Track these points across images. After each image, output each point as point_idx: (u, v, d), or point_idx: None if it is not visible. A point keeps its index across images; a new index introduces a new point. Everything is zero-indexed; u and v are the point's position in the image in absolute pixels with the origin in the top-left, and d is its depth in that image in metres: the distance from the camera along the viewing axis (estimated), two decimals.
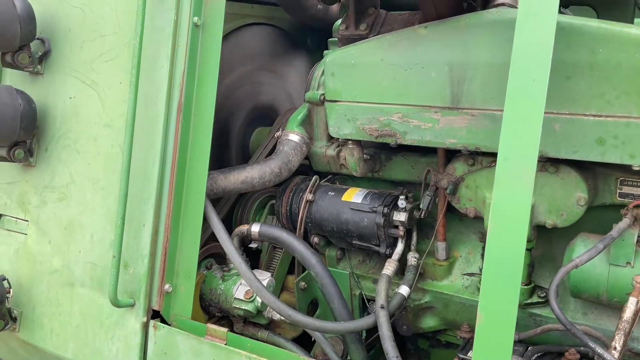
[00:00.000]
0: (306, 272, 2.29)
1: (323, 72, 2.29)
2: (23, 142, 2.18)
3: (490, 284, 1.42)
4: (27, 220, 2.24)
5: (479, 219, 2.11)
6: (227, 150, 2.66)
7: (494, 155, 1.90)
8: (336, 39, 2.43)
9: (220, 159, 2.58)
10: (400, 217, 2.08)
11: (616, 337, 1.46)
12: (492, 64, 1.73)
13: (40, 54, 2.20)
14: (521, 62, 1.42)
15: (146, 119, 1.96)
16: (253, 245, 2.30)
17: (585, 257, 1.57)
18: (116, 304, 1.89)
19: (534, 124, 1.39)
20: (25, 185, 2.26)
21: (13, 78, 2.29)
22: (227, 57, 2.46)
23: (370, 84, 1.97)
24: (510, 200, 1.41)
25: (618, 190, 1.82)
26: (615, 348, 1.44)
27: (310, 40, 3.03)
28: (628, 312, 1.46)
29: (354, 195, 2.18)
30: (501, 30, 1.70)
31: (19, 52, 2.13)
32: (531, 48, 1.42)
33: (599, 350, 1.42)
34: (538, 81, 1.40)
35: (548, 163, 1.80)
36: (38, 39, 2.18)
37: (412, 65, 1.86)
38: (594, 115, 1.62)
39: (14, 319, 2.21)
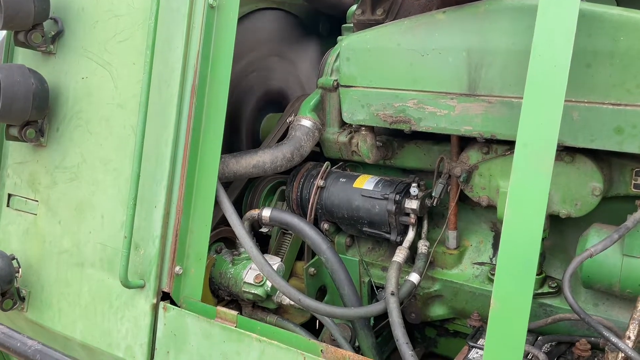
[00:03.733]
0: (316, 258, 2.29)
1: (337, 57, 2.28)
2: (34, 122, 2.17)
3: (506, 272, 1.41)
4: (37, 201, 2.24)
5: (490, 208, 2.10)
6: (237, 136, 2.65)
7: (509, 143, 1.90)
8: (350, 24, 2.41)
9: (231, 145, 2.58)
10: (412, 204, 2.07)
11: (630, 327, 1.45)
12: (511, 50, 1.71)
13: (53, 33, 2.19)
14: (542, 47, 1.41)
15: (159, 100, 1.95)
16: (264, 229, 2.30)
17: (600, 247, 1.56)
18: (126, 284, 1.89)
19: (554, 110, 1.38)
20: (35, 165, 2.25)
21: (26, 58, 2.27)
22: (239, 42, 2.44)
23: (386, 70, 1.95)
24: (528, 188, 1.40)
25: (633, 182, 1.80)
26: (629, 337, 1.43)
27: (322, 26, 3.02)
28: None
29: (366, 182, 2.17)
30: (521, 17, 1.69)
31: (32, 31, 2.12)
32: (553, 33, 1.40)
33: (614, 339, 1.41)
34: (559, 67, 1.39)
35: (564, 152, 1.79)
36: (51, 18, 2.17)
37: (429, 50, 1.85)
38: (613, 104, 1.60)
39: (23, 299, 2.22)
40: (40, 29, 2.13)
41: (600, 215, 1.86)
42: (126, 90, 2.03)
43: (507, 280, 1.41)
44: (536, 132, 1.39)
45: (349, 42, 2.03)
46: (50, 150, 2.21)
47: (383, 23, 2.10)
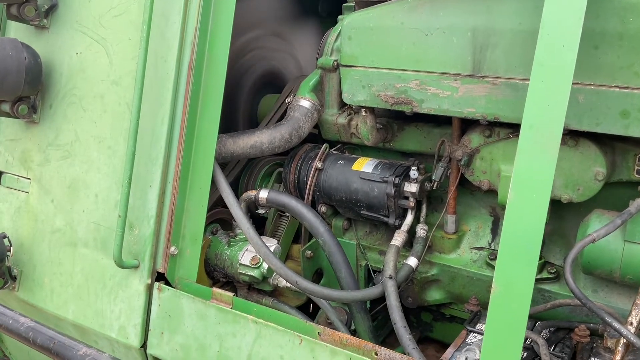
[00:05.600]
0: (312, 240, 2.26)
1: (337, 37, 2.24)
2: (27, 98, 2.13)
3: (508, 256, 1.39)
4: (29, 179, 2.20)
5: (489, 193, 2.08)
6: (234, 116, 2.61)
7: (512, 126, 1.88)
8: (351, 3, 2.37)
9: (228, 125, 2.54)
10: (411, 188, 2.04)
11: (633, 313, 1.44)
12: (518, 30, 1.67)
13: (46, 7, 2.13)
14: (551, 27, 1.37)
15: (156, 77, 1.91)
16: (260, 211, 2.27)
17: (602, 232, 1.54)
18: (120, 264, 1.86)
19: (561, 91, 1.35)
20: (28, 142, 2.21)
21: (18, 32, 2.22)
22: (237, 21, 2.40)
23: (389, 49, 1.92)
24: (533, 171, 1.37)
25: (636, 167, 1.78)
26: (631, 323, 1.42)
27: (321, 6, 2.97)
28: None
29: (365, 165, 2.14)
30: None
31: (25, 4, 2.07)
32: (562, 13, 1.37)
33: (617, 324, 1.39)
34: (568, 48, 1.35)
35: (568, 136, 1.76)
36: None
37: (433, 30, 1.81)
38: (620, 87, 1.57)
39: (14, 278, 2.18)
40: (33, 2, 2.09)
41: (600, 201, 1.84)
42: (121, 66, 1.98)
43: (509, 264, 1.38)
44: (543, 114, 1.36)
45: (351, 21, 1.99)
46: (43, 127, 2.17)
47: (386, 1, 2.05)
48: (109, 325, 1.97)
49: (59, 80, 2.13)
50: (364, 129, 2.14)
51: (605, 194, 1.82)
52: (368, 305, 2.23)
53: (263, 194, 2.10)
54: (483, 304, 1.86)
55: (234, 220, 2.09)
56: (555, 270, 1.94)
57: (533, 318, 1.86)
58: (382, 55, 1.94)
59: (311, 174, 2.23)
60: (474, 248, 2.14)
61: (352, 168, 2.15)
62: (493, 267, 1.98)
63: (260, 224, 2.47)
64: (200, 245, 1.93)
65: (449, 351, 1.68)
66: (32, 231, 2.16)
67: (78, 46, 2.09)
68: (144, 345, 1.91)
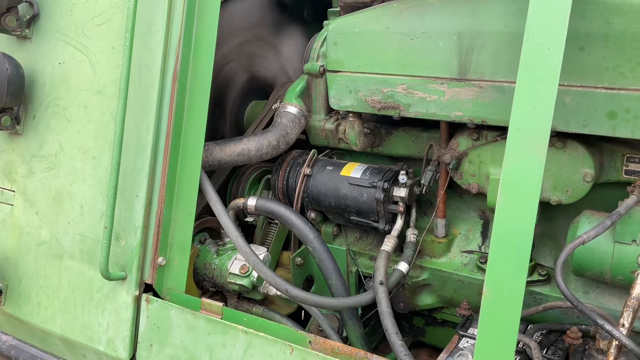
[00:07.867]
0: (302, 247, 2.25)
1: (323, 42, 2.23)
2: (10, 109, 2.10)
3: (498, 260, 1.38)
4: (14, 191, 2.16)
5: (479, 196, 2.07)
6: (221, 124, 2.59)
7: (499, 129, 1.87)
8: (336, 9, 2.36)
9: (214, 132, 2.52)
10: (401, 192, 2.03)
11: (624, 314, 1.43)
12: (503, 33, 1.67)
13: (28, 17, 2.11)
14: (536, 29, 1.37)
15: (140, 86, 1.89)
16: (249, 219, 2.25)
17: (592, 233, 1.53)
18: (107, 276, 1.83)
19: (548, 93, 1.35)
20: (11, 154, 2.18)
21: (0, 42, 2.19)
22: (222, 27, 2.38)
23: (374, 54, 1.91)
24: (521, 173, 1.36)
25: (624, 168, 1.78)
26: (623, 325, 1.41)
27: (307, 11, 2.96)
28: (638, 288, 1.43)
29: (353, 170, 2.13)
30: None
31: (6, 15, 2.04)
32: (547, 15, 1.37)
33: (608, 326, 1.39)
34: (553, 50, 1.35)
35: (555, 138, 1.76)
36: (26, 1, 2.09)
37: (418, 34, 1.80)
38: (606, 88, 1.57)
39: None
40: (14, 12, 2.06)
41: (589, 202, 1.84)
42: (105, 75, 1.96)
43: (499, 268, 1.38)
44: (530, 117, 1.36)
45: (337, 26, 1.98)
46: (26, 139, 2.14)
47: (371, 6, 2.05)
48: (97, 338, 1.94)
49: (42, 91, 2.10)
50: (352, 134, 2.13)
51: (594, 195, 1.82)
52: (359, 312, 2.22)
53: (251, 202, 2.09)
54: (475, 308, 1.85)
55: (223, 229, 2.07)
56: (546, 272, 1.94)
57: (525, 321, 1.85)
58: (368, 60, 1.93)
59: (300, 181, 2.21)
60: (464, 251, 2.13)
61: (341, 174, 2.14)
62: (484, 271, 1.98)
63: (249, 232, 2.44)
64: (188, 255, 1.90)
65: (442, 357, 1.66)
66: (17, 244, 2.13)
67: (61, 56, 2.07)
68: (132, 358, 1.89)
